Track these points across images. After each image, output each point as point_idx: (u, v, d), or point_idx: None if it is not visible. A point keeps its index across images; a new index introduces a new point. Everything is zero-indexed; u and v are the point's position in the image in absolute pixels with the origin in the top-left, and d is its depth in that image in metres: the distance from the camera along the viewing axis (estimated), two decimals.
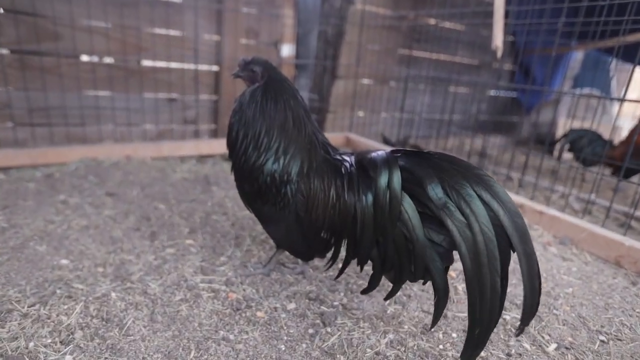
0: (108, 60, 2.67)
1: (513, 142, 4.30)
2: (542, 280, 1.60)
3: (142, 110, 2.83)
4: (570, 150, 3.22)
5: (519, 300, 1.46)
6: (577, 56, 4.83)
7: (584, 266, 1.77)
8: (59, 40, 2.47)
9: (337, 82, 3.52)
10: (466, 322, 1.31)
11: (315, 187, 1.30)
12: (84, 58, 2.60)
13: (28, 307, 1.22)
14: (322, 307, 1.34)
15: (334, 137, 3.41)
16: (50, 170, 2.36)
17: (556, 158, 3.42)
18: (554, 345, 1.25)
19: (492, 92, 4.48)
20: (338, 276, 1.35)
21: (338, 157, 1.36)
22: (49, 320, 1.18)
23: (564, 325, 1.35)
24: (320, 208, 1.29)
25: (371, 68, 3.61)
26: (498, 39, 2.33)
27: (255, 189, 1.34)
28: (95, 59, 2.63)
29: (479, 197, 0.97)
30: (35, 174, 2.29)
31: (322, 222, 1.29)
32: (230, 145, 1.42)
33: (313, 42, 3.88)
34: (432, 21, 3.70)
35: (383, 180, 1.12)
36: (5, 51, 2.36)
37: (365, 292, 1.26)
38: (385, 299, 1.25)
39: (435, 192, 1.02)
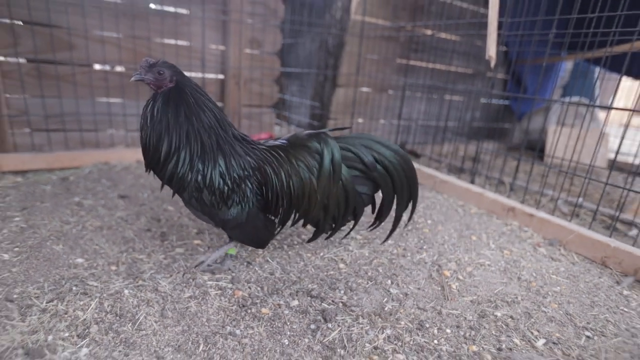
0: (120, 68, 2.70)
1: (505, 148, 4.32)
2: (532, 280, 1.64)
3: None
4: None
5: (510, 298, 1.48)
6: (567, 66, 4.86)
7: (572, 266, 1.79)
8: (73, 50, 2.50)
9: (338, 90, 3.55)
10: (459, 319, 1.35)
11: (269, 173, 1.38)
12: (97, 67, 2.63)
13: (47, 302, 1.24)
14: (323, 304, 1.36)
15: None
16: (65, 173, 2.39)
17: None
18: (542, 341, 1.27)
19: (485, 100, 4.50)
20: (310, 241, 1.65)
21: (271, 144, 1.46)
22: (66, 315, 1.20)
23: (551, 322, 1.37)
24: (277, 191, 1.40)
25: (370, 77, 3.64)
26: (491, 50, 2.35)
27: (218, 195, 1.30)
28: (107, 67, 2.66)
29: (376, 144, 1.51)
30: (52, 177, 2.32)
31: (281, 203, 1.42)
32: (159, 161, 1.27)
33: (301, 52, 3.92)
34: (429, 32, 3.74)
35: (328, 154, 1.40)
36: (22, 60, 2.39)
37: (310, 241, 1.64)
38: (327, 238, 1.68)
39: (357, 153, 1.47)
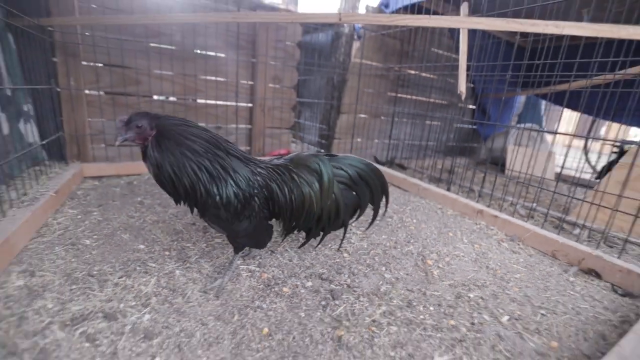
0: (172, 99, 2.74)
1: (474, 162, 4.29)
2: (497, 268, 1.61)
3: None
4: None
5: (480, 283, 1.46)
6: (522, 99, 4.84)
7: (529, 258, 1.76)
8: (139, 84, 2.54)
9: (341, 116, 3.56)
10: (440, 299, 1.33)
11: (275, 190, 1.29)
12: (156, 97, 2.67)
13: (118, 278, 1.25)
14: (331, 285, 1.35)
15: None
16: (130, 179, 2.41)
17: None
18: (506, 317, 1.25)
19: (458, 125, 4.49)
20: (302, 246, 1.53)
21: (276, 163, 1.35)
22: (132, 289, 1.21)
23: (513, 302, 1.35)
24: (282, 204, 1.30)
25: (367, 106, 3.65)
26: (462, 86, 2.35)
27: (232, 212, 1.19)
28: (163, 98, 2.70)
29: (359, 163, 1.44)
30: (120, 182, 2.34)
31: (284, 214, 1.33)
32: (180, 196, 1.15)
33: (313, 86, 3.95)
34: (413, 72, 3.75)
35: (325, 172, 1.33)
36: (102, 93, 2.44)
37: (301, 246, 1.54)
38: (316, 245, 1.58)
39: (348, 171, 1.42)
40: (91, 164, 2.41)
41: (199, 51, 2.71)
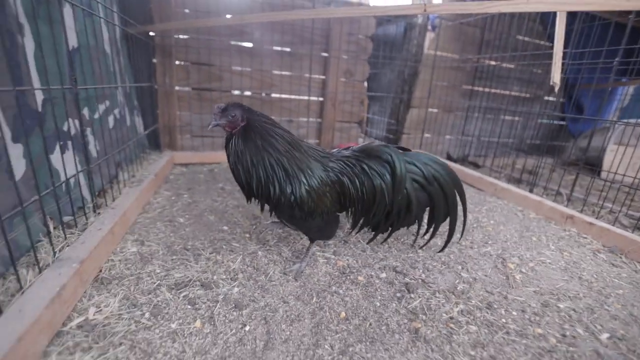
0: (248, 93, 2.95)
1: (562, 163, 3.85)
2: (592, 280, 1.46)
3: None
4: None
5: (572, 294, 1.34)
6: (628, 90, 4.19)
7: (634, 274, 1.55)
8: (221, 80, 2.80)
9: (411, 110, 3.47)
10: (524, 305, 1.26)
11: (346, 184, 1.27)
12: (235, 92, 2.91)
13: (209, 254, 1.42)
14: (405, 278, 1.36)
15: None
16: (211, 166, 2.68)
17: None
18: (606, 335, 1.13)
19: (546, 121, 4.07)
20: (370, 241, 1.51)
21: (345, 155, 1.32)
22: (222, 264, 1.35)
23: (615, 319, 1.21)
24: (353, 198, 1.29)
25: (439, 100, 3.51)
26: (556, 77, 2.13)
27: (306, 211, 1.22)
28: (240, 92, 2.93)
29: (433, 163, 1.37)
30: (203, 169, 2.61)
31: (356, 206, 1.32)
32: (252, 188, 1.18)
33: (383, 79, 3.89)
34: (493, 62, 3.49)
35: (398, 163, 1.28)
36: (189, 89, 2.74)
37: (370, 241, 1.50)
38: (383, 242, 1.56)
39: (422, 169, 1.36)
40: (180, 152, 2.74)
41: (275, 47, 2.88)
